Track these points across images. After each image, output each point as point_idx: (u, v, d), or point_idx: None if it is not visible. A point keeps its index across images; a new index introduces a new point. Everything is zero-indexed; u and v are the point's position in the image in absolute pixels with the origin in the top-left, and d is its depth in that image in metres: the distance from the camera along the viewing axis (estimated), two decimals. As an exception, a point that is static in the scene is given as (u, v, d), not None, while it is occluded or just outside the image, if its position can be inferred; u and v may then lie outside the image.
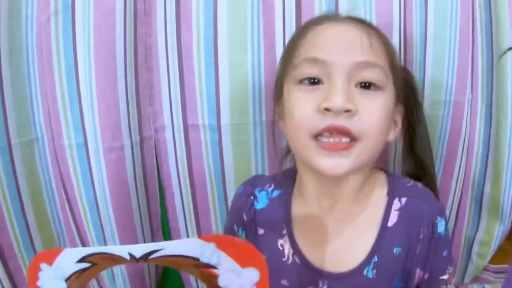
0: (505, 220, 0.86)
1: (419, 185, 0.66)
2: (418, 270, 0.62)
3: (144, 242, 0.81)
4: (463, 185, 0.87)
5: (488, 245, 0.90)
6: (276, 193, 0.67)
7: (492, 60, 0.81)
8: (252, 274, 0.38)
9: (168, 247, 0.37)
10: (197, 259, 0.37)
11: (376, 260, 0.60)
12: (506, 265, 0.97)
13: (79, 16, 0.71)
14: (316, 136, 0.54)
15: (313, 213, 0.63)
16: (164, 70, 0.76)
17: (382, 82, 0.56)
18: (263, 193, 0.67)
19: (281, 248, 0.64)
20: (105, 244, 0.82)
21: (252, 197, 0.67)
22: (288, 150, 0.67)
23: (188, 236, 0.86)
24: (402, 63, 0.75)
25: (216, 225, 0.84)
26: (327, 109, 0.52)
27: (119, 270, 0.81)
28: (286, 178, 0.67)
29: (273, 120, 0.68)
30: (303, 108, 0.55)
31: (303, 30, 0.61)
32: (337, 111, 0.52)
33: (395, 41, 0.74)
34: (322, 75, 0.55)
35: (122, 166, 0.75)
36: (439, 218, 0.61)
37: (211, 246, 0.37)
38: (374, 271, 0.60)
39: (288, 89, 0.59)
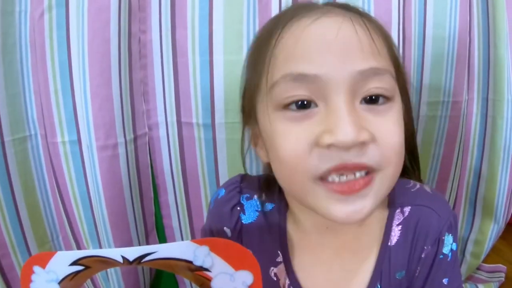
0: (499, 220, 0.87)
1: (427, 188, 0.55)
2: None
3: (138, 240, 0.82)
4: (458, 185, 0.88)
5: (481, 245, 0.91)
6: (268, 206, 0.55)
7: (488, 61, 0.81)
8: (246, 277, 0.38)
9: (161, 250, 0.37)
10: (190, 262, 0.37)
11: (380, 286, 0.51)
12: (499, 265, 0.98)
13: (73, 12, 0.70)
14: (320, 178, 0.42)
15: (311, 240, 0.53)
16: (158, 67, 0.76)
17: (392, 91, 0.44)
18: (251, 203, 0.55)
19: (274, 278, 0.53)
20: (99, 241, 0.81)
21: (238, 208, 0.55)
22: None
23: (181, 234, 0.86)
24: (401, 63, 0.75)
25: (209, 223, 0.84)
26: (331, 145, 0.39)
27: (113, 269, 0.81)
28: (279, 190, 0.54)
29: (242, 140, 0.57)
30: (295, 144, 0.41)
31: (276, 26, 0.45)
32: (348, 147, 0.39)
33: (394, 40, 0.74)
34: (314, 95, 0.41)
35: (116, 164, 0.74)
36: (446, 235, 0.50)
37: (205, 249, 0.37)
38: None
39: (267, 114, 0.44)
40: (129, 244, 0.80)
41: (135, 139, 0.77)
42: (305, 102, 0.42)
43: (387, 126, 0.42)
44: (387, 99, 0.43)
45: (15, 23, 0.74)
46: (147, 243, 0.85)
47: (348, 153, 0.40)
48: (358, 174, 0.42)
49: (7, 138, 0.77)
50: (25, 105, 0.79)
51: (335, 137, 0.39)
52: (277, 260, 0.53)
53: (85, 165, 0.76)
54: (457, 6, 0.77)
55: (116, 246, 0.78)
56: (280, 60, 0.43)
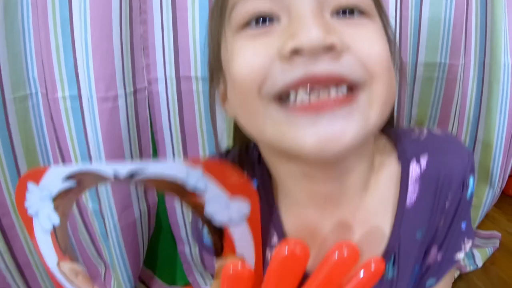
0: (494, 185, 0.87)
1: (438, 131, 0.47)
2: (435, 249, 0.46)
3: (137, 196, 0.82)
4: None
5: (477, 209, 0.91)
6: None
7: (486, 26, 0.81)
8: (242, 206, 0.35)
9: (152, 167, 0.34)
10: (182, 185, 0.35)
11: (396, 253, 0.44)
12: (494, 231, 0.99)
13: (75, -32, 0.70)
14: (280, 97, 0.35)
15: (308, 215, 0.44)
16: (158, 22, 0.76)
17: (368, 5, 0.37)
18: None
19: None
20: (98, 197, 0.82)
21: None
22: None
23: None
24: (398, 22, 0.76)
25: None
26: (295, 52, 0.33)
27: (112, 226, 0.82)
28: (259, 160, 0.46)
29: (211, 105, 0.48)
30: (251, 58, 0.35)
31: None
32: (314, 50, 0.32)
33: (391, 1, 0.74)
34: (277, 6, 0.36)
35: (116, 117, 0.75)
36: (470, 177, 0.44)
37: (198, 171, 0.34)
38: (395, 268, 0.44)
39: (226, 46, 0.39)
40: (128, 200, 0.80)
41: (135, 92, 0.77)
42: (267, 19, 0.36)
43: (366, 35, 0.35)
44: (365, 14, 0.37)
45: (16, -18, 0.75)
46: (146, 199, 0.85)
47: (316, 62, 0.33)
48: (334, 93, 0.34)
49: (8, 96, 0.77)
50: (26, 64, 0.79)
51: (298, 39, 0.32)
52: (272, 241, 0.46)
53: (85, 121, 0.76)
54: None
55: (115, 201, 0.79)
56: None
